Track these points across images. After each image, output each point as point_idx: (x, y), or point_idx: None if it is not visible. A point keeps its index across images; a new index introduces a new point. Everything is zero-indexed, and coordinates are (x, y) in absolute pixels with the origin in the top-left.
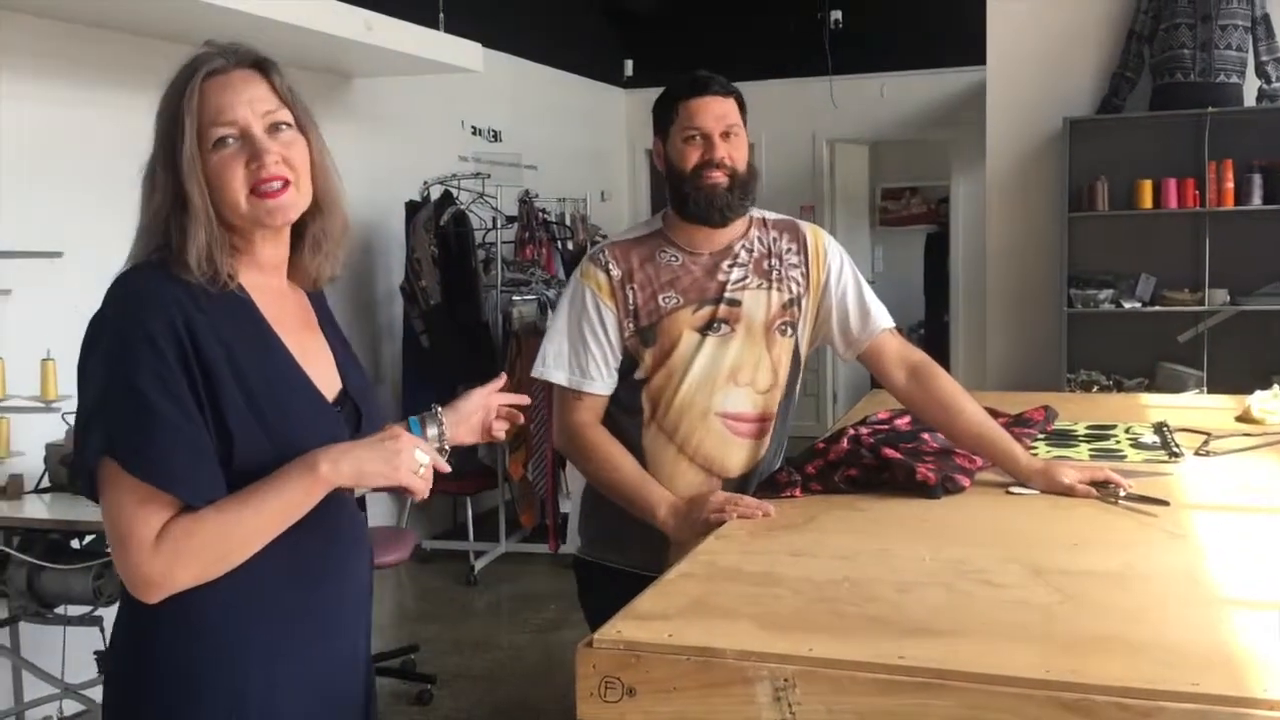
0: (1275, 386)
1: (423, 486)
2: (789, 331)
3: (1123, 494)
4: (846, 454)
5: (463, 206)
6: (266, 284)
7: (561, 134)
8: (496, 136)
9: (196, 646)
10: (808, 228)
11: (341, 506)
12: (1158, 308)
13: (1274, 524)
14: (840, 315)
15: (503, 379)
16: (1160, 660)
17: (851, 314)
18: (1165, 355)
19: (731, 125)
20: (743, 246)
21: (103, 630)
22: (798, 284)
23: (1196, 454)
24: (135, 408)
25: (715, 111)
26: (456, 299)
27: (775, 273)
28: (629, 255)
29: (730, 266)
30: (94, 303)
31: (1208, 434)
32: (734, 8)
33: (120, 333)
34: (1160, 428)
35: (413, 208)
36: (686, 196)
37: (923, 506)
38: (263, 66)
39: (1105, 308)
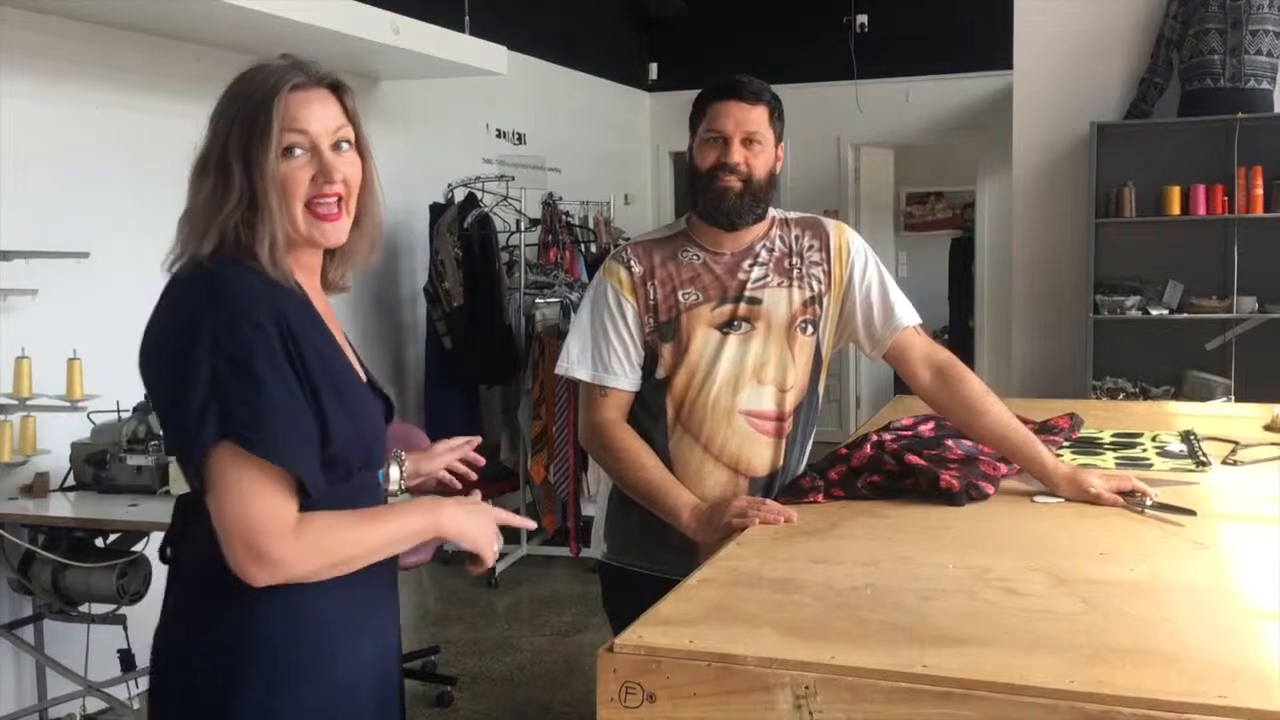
0: None
1: (492, 560)
2: (810, 329)
3: (1149, 503)
4: (870, 460)
5: (486, 209)
6: (310, 284)
7: (585, 137)
8: (521, 139)
9: (301, 627)
10: (832, 225)
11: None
12: (1185, 315)
13: None
14: (864, 312)
15: (476, 440)
16: (1187, 672)
17: (875, 310)
18: (1193, 363)
19: (754, 132)
20: (763, 246)
21: (125, 629)
22: (819, 281)
23: (1224, 463)
24: (254, 392)
25: (737, 116)
26: (479, 301)
27: (796, 270)
28: (651, 254)
29: (751, 266)
30: (120, 302)
31: (1235, 443)
32: (759, 11)
33: (225, 323)
34: (1187, 436)
35: (437, 210)
36: (698, 194)
37: (946, 514)
38: (338, 88)
39: (1132, 314)
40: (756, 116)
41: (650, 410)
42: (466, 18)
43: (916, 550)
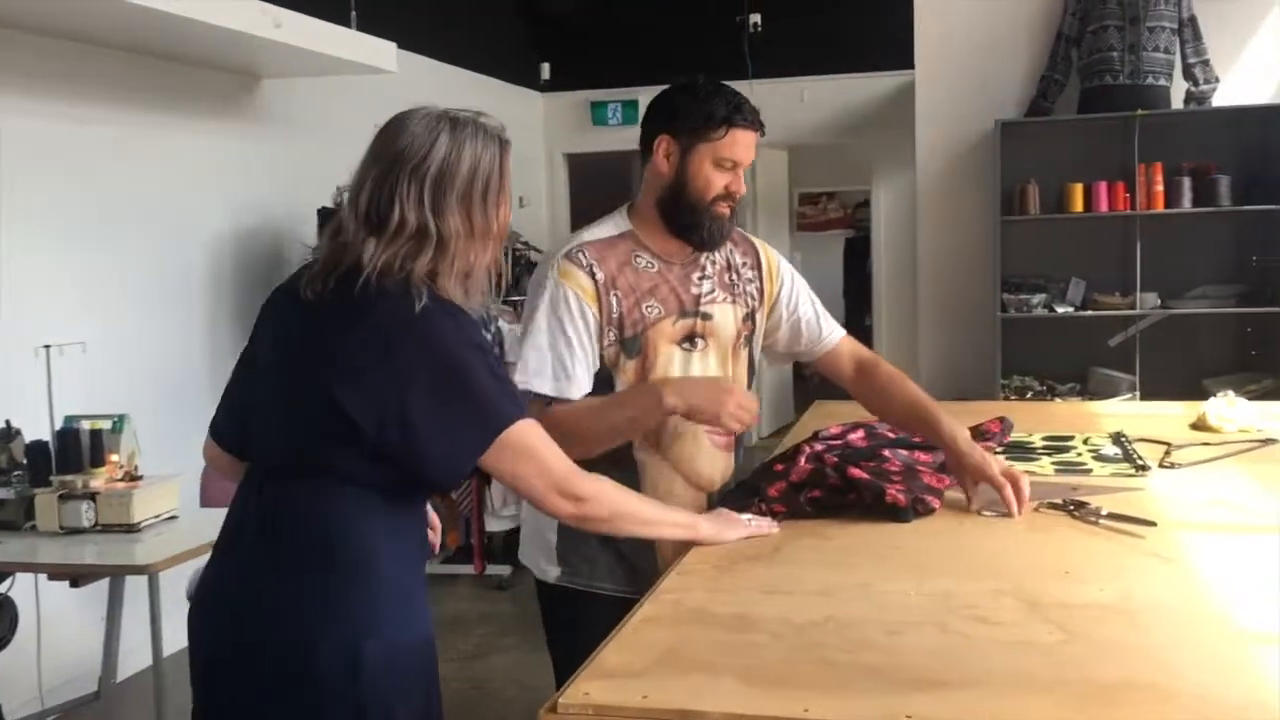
0: (1229, 393)
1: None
2: (746, 345)
3: (1104, 513)
4: (810, 474)
5: None
6: None
7: None
8: None
9: (403, 577)
10: (759, 243)
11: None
12: (1089, 312)
13: (1265, 545)
14: (792, 326)
15: None
16: (1187, 709)
17: (807, 326)
18: (1097, 359)
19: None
20: (707, 259)
21: None
22: (753, 298)
23: (1161, 466)
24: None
25: (751, 147)
26: None
27: (736, 287)
28: (606, 258)
29: (700, 279)
30: None
31: (1168, 444)
32: (651, 10)
33: (463, 344)
34: (1118, 438)
35: (326, 215)
36: (695, 221)
37: (894, 532)
38: None
39: (1038, 312)
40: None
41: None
42: (353, 12)
43: (872, 576)
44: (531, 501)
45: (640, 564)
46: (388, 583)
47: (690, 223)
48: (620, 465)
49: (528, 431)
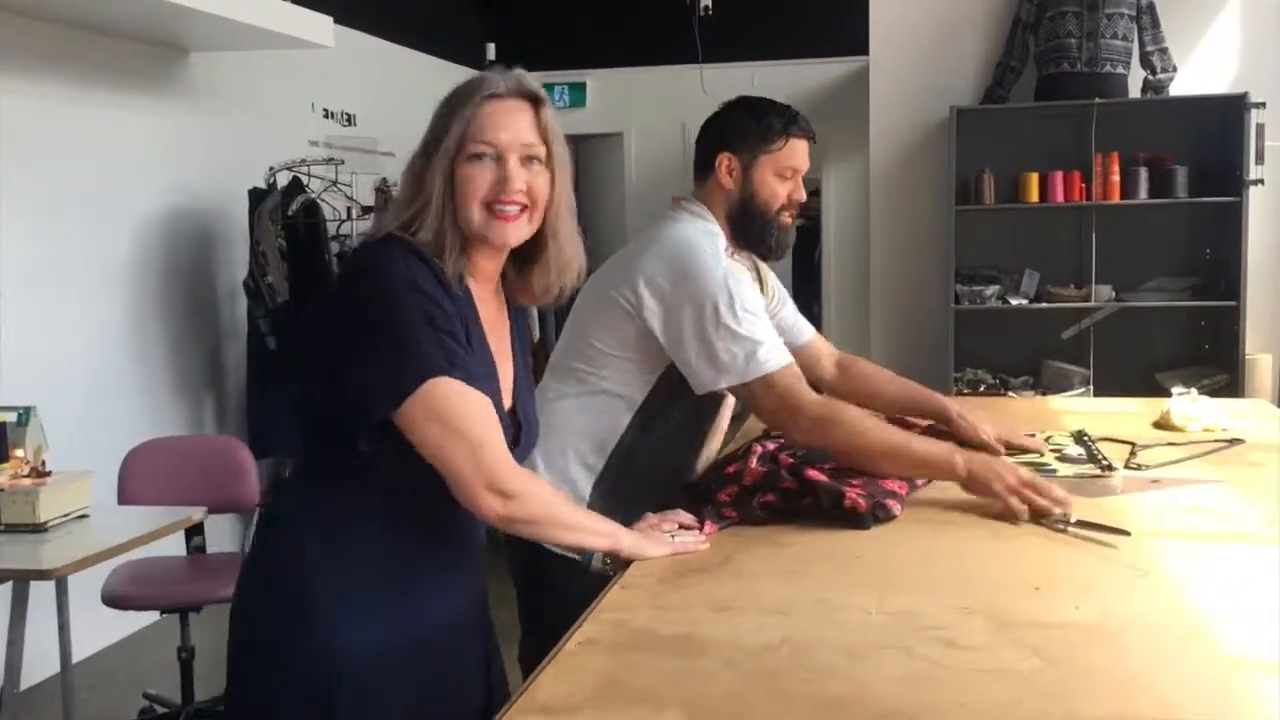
0: (1192, 391)
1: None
2: None
3: (1073, 520)
4: (764, 477)
5: (314, 195)
6: (480, 292)
7: (420, 119)
8: (350, 120)
9: (393, 563)
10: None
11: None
12: (1044, 304)
13: (1247, 555)
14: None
15: None
16: None
17: (789, 327)
18: (1050, 352)
19: None
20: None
21: None
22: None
23: (1127, 467)
24: (445, 344)
25: (807, 154)
26: (307, 296)
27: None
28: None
29: None
30: None
31: (1132, 444)
32: None
33: (405, 284)
34: (1081, 437)
35: (257, 196)
36: (764, 232)
37: (852, 541)
38: (536, 101)
39: (992, 304)
40: None
41: (706, 416)
42: None
43: (830, 590)
44: (454, 488)
45: None
46: (280, 584)
47: (760, 233)
48: (704, 423)
49: (454, 391)
